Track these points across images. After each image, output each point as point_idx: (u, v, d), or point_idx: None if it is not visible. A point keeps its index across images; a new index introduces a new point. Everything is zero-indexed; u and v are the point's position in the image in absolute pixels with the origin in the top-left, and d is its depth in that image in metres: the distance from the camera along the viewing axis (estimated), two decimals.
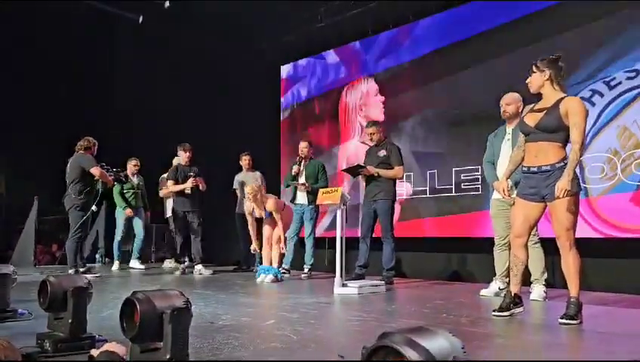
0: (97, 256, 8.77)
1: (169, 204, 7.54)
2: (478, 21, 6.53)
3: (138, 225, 7.69)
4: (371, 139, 5.89)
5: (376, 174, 5.63)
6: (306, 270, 6.44)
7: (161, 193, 7.76)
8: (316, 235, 6.62)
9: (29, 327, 2.76)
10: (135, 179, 7.79)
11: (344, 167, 6.43)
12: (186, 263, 6.90)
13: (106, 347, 1.91)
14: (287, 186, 6.73)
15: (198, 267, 6.74)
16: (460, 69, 6.66)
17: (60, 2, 8.36)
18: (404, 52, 7.37)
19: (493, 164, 4.50)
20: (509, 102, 4.40)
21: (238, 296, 4.63)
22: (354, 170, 5.84)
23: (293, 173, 6.50)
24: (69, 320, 2.27)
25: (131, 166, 7.75)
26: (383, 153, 5.72)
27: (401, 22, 7.42)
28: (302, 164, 6.51)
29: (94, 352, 1.91)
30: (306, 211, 6.45)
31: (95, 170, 6.05)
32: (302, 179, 6.47)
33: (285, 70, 9.06)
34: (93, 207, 6.22)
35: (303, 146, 6.59)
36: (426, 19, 7.15)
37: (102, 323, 2.92)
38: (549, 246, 4.10)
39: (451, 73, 6.75)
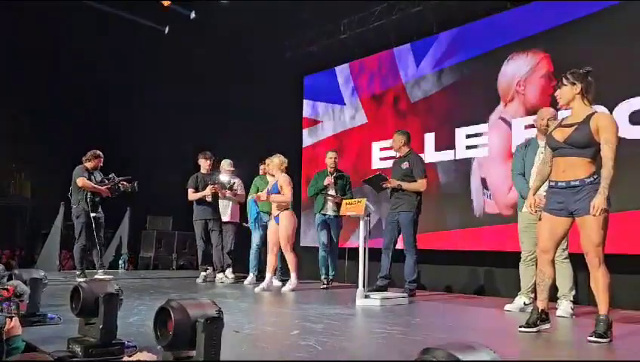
0: (120, 261, 8.86)
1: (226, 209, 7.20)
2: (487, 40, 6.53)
3: (255, 235, 6.84)
4: (397, 150, 5.84)
5: (398, 187, 5.62)
6: (326, 280, 6.42)
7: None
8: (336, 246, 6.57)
9: (58, 331, 2.80)
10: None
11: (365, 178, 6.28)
12: (207, 271, 6.92)
13: (138, 356, 1.93)
14: (314, 195, 6.48)
15: (220, 275, 6.77)
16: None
17: (83, 13, 8.56)
18: (426, 63, 7.37)
19: (524, 176, 4.43)
20: (546, 117, 4.32)
21: (261, 305, 4.65)
22: (376, 182, 5.78)
23: (325, 184, 6.31)
24: (100, 326, 2.30)
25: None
26: (406, 165, 5.68)
27: (424, 33, 7.43)
28: (333, 175, 6.35)
29: (126, 359, 1.93)
30: (333, 222, 6.37)
31: (79, 181, 6.37)
32: (332, 191, 6.33)
33: (308, 81, 9.11)
34: (97, 214, 6.37)
35: (333, 156, 6.41)
36: (449, 31, 7.15)
37: (128, 329, 2.95)
38: (576, 262, 4.05)
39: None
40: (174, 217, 9.34)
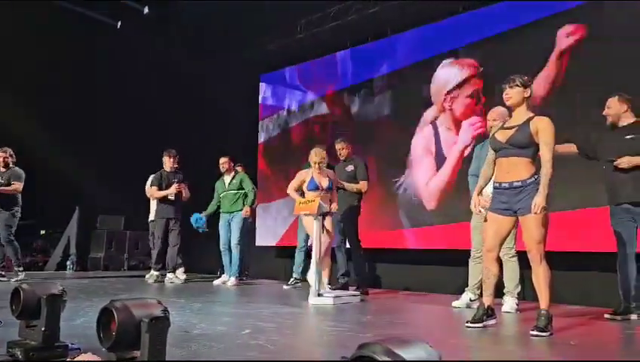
0: (68, 262, 8.58)
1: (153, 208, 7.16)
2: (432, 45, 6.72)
3: (235, 232, 6.73)
4: (340, 155, 6.00)
5: (341, 187, 5.75)
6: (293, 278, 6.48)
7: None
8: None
9: None
10: (227, 179, 6.88)
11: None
12: (159, 271, 6.80)
13: (82, 357, 1.89)
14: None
15: (170, 275, 6.68)
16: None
17: (38, 6, 8.25)
18: (381, 64, 7.45)
19: (477, 177, 4.52)
20: (496, 117, 4.43)
21: (213, 305, 4.61)
22: None
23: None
24: (42, 328, 2.23)
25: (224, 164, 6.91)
26: (350, 168, 5.90)
27: (379, 35, 7.52)
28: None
29: None
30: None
31: None
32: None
33: (264, 80, 9.07)
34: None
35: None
36: (403, 34, 7.26)
37: (73, 331, 2.88)
38: (523, 260, 4.19)
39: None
40: (127, 216, 9.12)
